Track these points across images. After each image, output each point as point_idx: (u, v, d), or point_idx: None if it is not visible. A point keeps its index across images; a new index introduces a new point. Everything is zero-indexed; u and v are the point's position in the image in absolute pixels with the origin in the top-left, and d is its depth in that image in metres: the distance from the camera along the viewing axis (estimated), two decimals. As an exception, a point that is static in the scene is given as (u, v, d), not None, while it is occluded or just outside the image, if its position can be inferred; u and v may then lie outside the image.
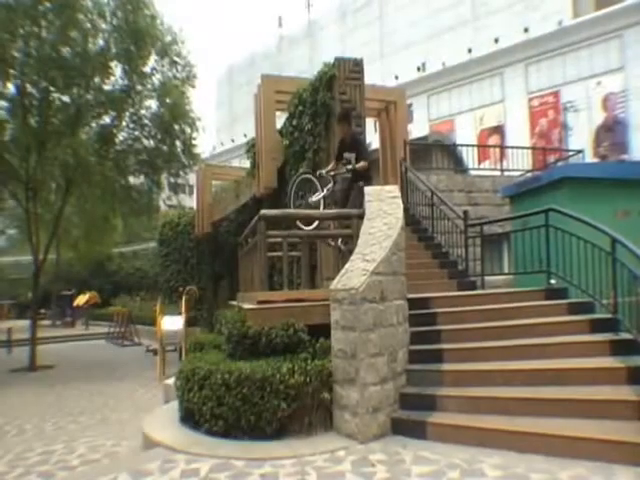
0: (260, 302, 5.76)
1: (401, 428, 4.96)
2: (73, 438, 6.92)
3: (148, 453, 5.09)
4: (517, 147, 14.47)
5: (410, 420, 4.96)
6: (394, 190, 6.55)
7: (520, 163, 13.74)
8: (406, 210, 7.59)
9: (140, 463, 4.68)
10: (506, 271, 10.65)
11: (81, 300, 27.46)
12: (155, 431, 5.51)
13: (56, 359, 16.00)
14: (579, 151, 14.72)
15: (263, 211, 6.23)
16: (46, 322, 29.09)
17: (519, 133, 27.25)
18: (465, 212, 8.44)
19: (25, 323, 19.87)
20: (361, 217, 6.10)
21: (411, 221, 9.54)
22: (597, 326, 5.87)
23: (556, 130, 27.00)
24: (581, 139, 24.50)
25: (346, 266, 5.31)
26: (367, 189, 6.56)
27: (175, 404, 6.22)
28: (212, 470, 4.28)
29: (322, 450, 4.59)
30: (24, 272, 29.61)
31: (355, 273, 5.08)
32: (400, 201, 6.28)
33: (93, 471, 5.38)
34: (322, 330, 5.37)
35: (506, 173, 13.37)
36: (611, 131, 24.99)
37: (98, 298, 28.20)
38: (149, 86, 15.82)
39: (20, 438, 7.37)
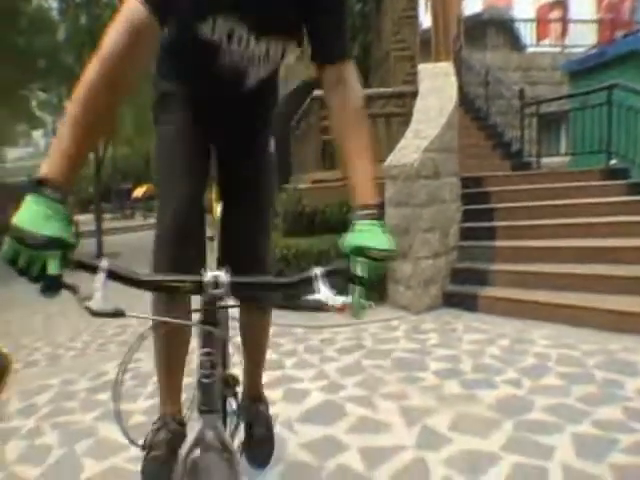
0: (314, 182, 5.87)
1: (452, 301, 5.15)
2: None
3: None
4: (581, 21, 13.36)
5: (461, 293, 5.13)
6: (447, 67, 6.32)
7: (584, 39, 12.79)
8: (460, 89, 7.34)
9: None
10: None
11: (139, 192, 28.33)
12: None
13: (120, 247, 16.93)
14: (652, 23, 13.49)
15: (317, 92, 6.17)
16: (107, 215, 30.41)
17: (584, 6, 25.03)
18: (521, 90, 8.08)
19: (88, 217, 20.74)
20: (414, 95, 5.97)
21: (464, 100, 9.22)
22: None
23: (627, 1, 24.63)
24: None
25: (400, 143, 5.29)
26: (420, 66, 6.36)
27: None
28: (274, 335, 4.60)
29: (377, 319, 4.86)
30: (83, 168, 30.51)
31: (409, 150, 5.07)
32: (454, 79, 6.10)
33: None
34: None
35: (567, 50, 12.51)
36: (690, -1, 22.61)
37: (155, 189, 28.92)
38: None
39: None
